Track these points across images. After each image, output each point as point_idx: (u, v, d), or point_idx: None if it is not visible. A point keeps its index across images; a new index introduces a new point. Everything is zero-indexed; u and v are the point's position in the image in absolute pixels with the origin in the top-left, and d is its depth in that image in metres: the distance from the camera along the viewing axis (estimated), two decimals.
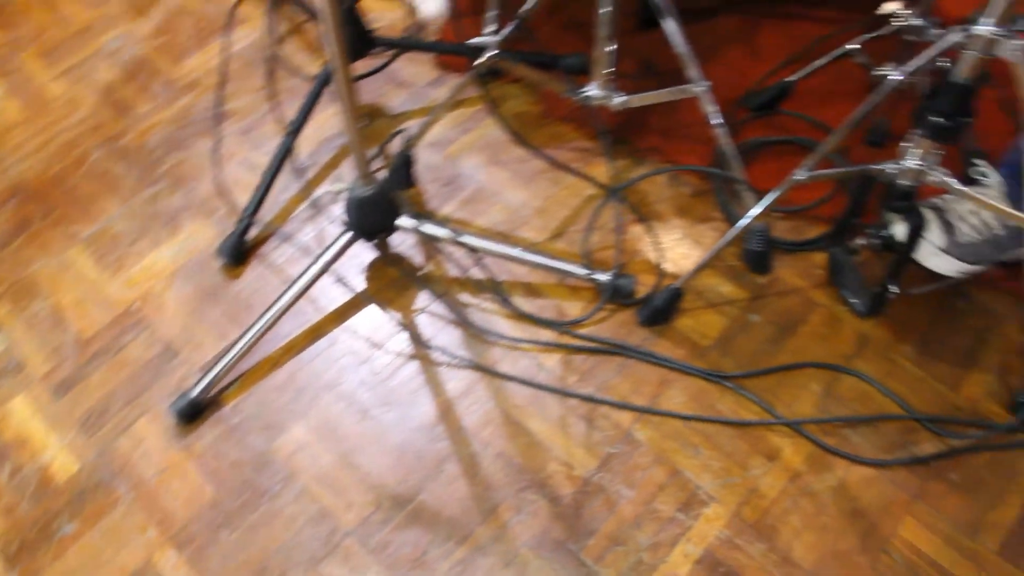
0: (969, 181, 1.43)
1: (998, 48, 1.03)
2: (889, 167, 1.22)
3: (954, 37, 1.05)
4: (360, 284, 1.47)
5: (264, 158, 1.57)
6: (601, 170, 1.59)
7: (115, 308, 1.46)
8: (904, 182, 1.23)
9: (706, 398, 1.34)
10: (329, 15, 1.08)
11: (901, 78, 1.14)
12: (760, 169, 1.55)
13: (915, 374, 1.37)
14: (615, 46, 1.33)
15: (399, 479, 1.27)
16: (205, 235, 1.53)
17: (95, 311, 1.46)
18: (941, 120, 1.12)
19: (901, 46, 1.44)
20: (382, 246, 1.50)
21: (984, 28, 1.02)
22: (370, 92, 1.72)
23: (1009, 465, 1.29)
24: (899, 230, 1.28)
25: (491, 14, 1.68)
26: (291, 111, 1.60)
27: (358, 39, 1.58)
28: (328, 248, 1.39)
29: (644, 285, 1.44)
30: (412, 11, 1.85)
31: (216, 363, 1.34)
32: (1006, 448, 1.30)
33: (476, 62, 1.41)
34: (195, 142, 1.66)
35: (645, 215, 1.53)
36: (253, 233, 1.52)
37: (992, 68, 1.07)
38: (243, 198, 1.53)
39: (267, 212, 1.55)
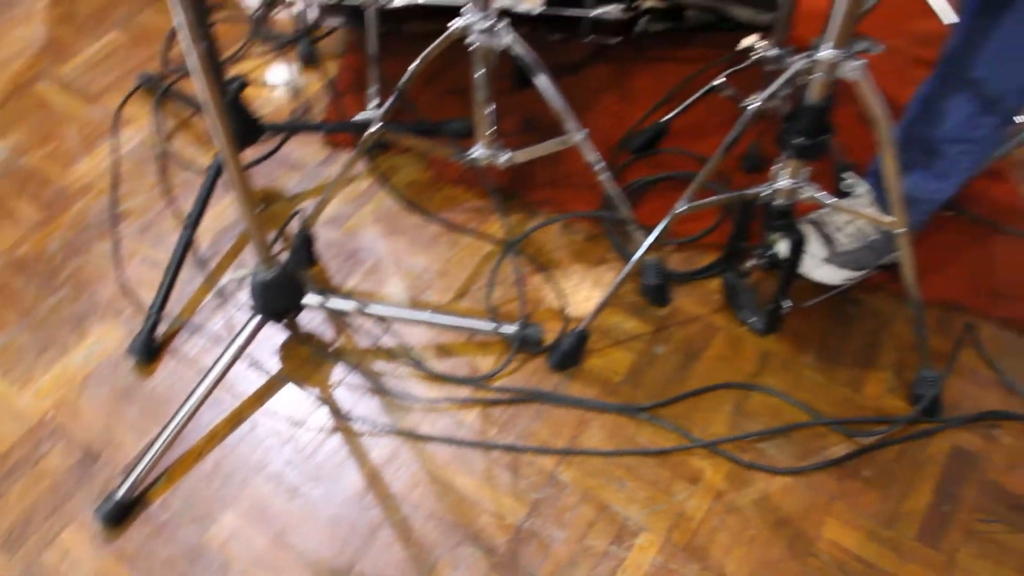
0: (841, 193, 1.52)
1: (840, 70, 1.11)
2: (763, 190, 1.29)
3: (800, 63, 1.13)
4: (275, 365, 1.48)
5: (165, 254, 1.58)
6: (496, 226, 1.64)
7: (28, 420, 1.44)
8: (779, 202, 1.31)
9: (624, 432, 1.38)
10: (213, 108, 1.10)
11: (758, 106, 1.22)
12: (648, 207, 1.61)
13: (818, 381, 1.44)
14: (494, 107, 1.38)
15: (335, 552, 1.27)
16: (114, 336, 1.53)
17: (7, 426, 1.43)
18: (802, 140, 1.20)
19: (763, 76, 1.53)
20: (292, 326, 1.52)
21: (825, 53, 1.10)
22: (264, 177, 1.74)
23: (916, 455, 1.36)
24: (782, 248, 1.35)
25: (372, 89, 1.73)
26: (187, 204, 1.61)
27: (245, 127, 1.61)
28: (239, 334, 1.40)
29: (551, 331, 1.48)
30: (298, 93, 1.89)
31: (138, 461, 1.33)
32: (911, 439, 1.37)
33: (363, 137, 1.45)
34: (94, 245, 1.66)
35: (544, 264, 1.58)
36: (162, 329, 1.52)
37: (840, 87, 1.15)
38: (148, 295, 1.53)
39: (174, 306, 1.55)
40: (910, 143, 1.40)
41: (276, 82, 1.93)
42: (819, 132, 1.19)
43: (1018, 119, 1.60)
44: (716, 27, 1.92)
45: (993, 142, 1.40)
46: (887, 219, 1.27)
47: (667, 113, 1.71)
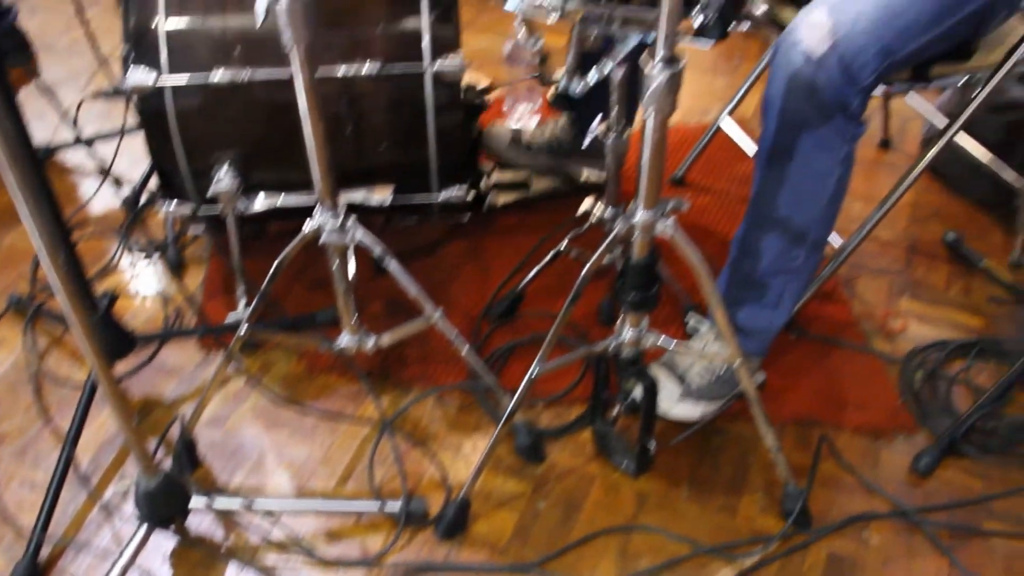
0: (687, 334, 1.64)
1: (655, 229, 1.24)
2: (609, 343, 1.40)
3: (620, 227, 1.26)
4: (167, 573, 1.47)
5: (45, 474, 1.57)
6: (372, 408, 1.69)
7: None
8: (627, 353, 1.41)
9: None
10: (79, 327, 1.13)
11: (591, 268, 1.33)
12: (514, 370, 1.71)
13: (695, 512, 1.52)
14: (352, 296, 1.46)
15: None
16: None
17: None
18: (634, 295, 1.31)
19: (604, 234, 1.66)
20: (181, 531, 1.52)
21: (639, 216, 1.23)
22: (141, 386, 1.77)
23: (795, 569, 1.43)
24: (639, 392, 1.45)
25: (240, 290, 1.80)
26: (66, 422, 1.62)
27: (118, 340, 1.64)
28: (127, 546, 1.40)
29: (435, 502, 1.52)
30: (168, 300, 1.94)
31: None
32: (788, 553, 1.45)
33: (233, 340, 1.50)
34: None
35: (421, 439, 1.64)
36: (46, 552, 1.50)
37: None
38: (29, 519, 1.52)
39: (57, 527, 1.54)
40: (737, 280, 1.54)
41: (147, 291, 1.98)
42: (649, 285, 1.30)
43: (834, 239, 1.77)
44: (560, 193, 2.08)
45: (811, 267, 1.54)
46: (723, 356, 1.38)
47: (522, 279, 1.83)
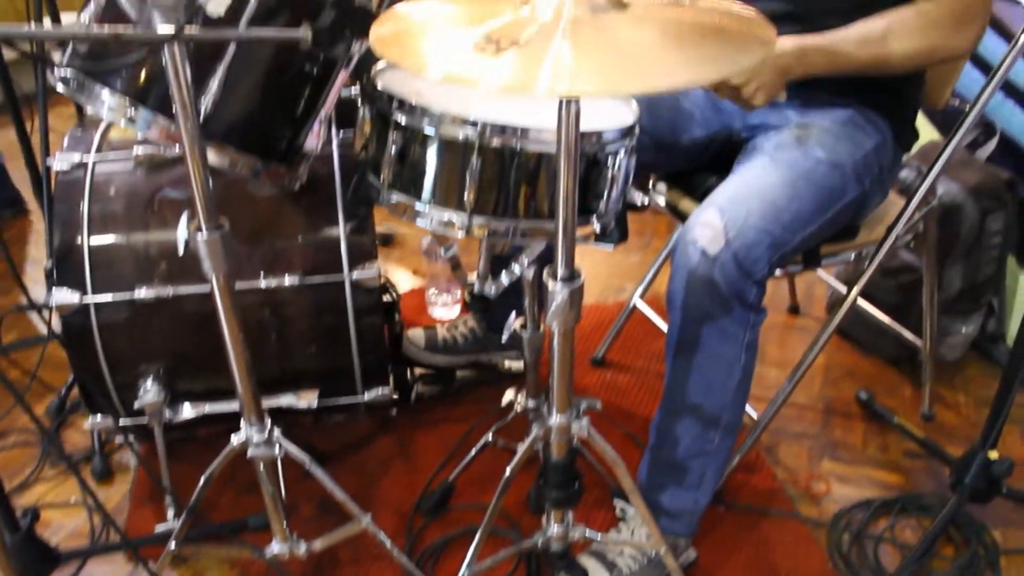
0: (617, 517, 1.66)
1: (571, 430, 1.29)
2: (537, 539, 1.42)
3: (537, 430, 1.30)
4: None
5: None
6: None
7: None
8: (556, 546, 1.43)
9: None
10: None
11: (513, 466, 1.36)
12: (449, 566, 1.69)
13: None
14: (282, 503, 1.47)
15: None
16: None
17: None
18: (556, 492, 1.34)
19: (528, 424, 1.70)
20: None
21: (553, 419, 1.28)
22: None
23: None
24: None
25: (168, 499, 1.78)
26: None
27: (40, 559, 1.61)
28: None
29: None
30: (92, 512, 1.91)
31: None
32: None
33: (163, 553, 1.49)
34: None
35: None
36: None
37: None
38: None
39: None
40: (657, 465, 1.59)
41: (71, 502, 1.95)
42: (569, 483, 1.34)
43: (752, 411, 1.84)
44: (484, 381, 2.13)
45: (728, 447, 1.60)
46: (648, 543, 1.41)
47: (452, 471, 1.85)
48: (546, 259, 1.23)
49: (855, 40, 1.50)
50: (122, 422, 1.77)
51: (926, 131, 2.27)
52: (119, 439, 2.06)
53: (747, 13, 1.07)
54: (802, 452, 2.03)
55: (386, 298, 1.89)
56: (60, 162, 1.70)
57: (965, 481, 1.62)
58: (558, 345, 1.20)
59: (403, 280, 2.61)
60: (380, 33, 1.06)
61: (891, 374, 2.27)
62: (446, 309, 2.37)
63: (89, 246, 1.65)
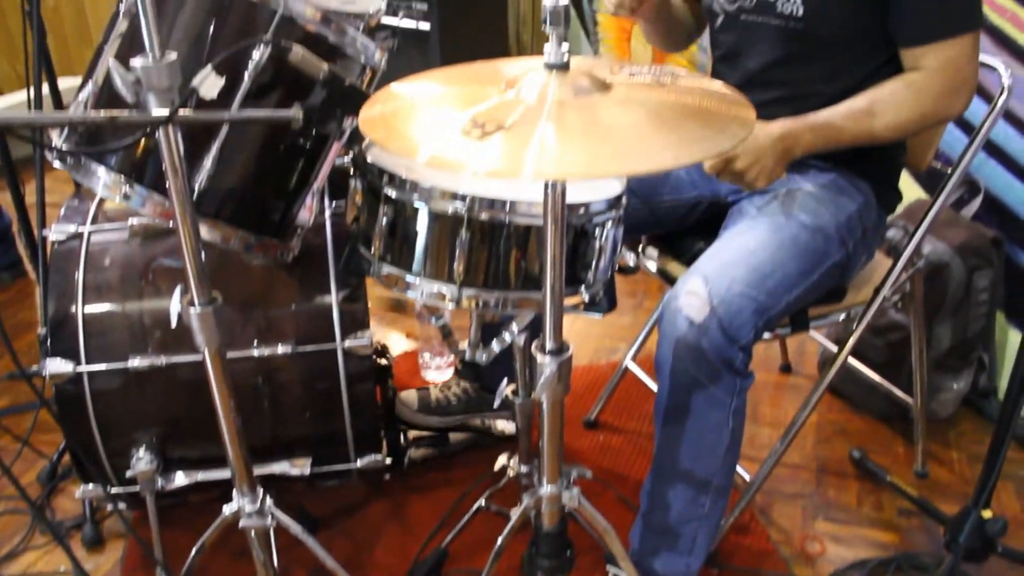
0: None
1: (561, 500, 1.29)
2: None
3: (528, 500, 1.30)
4: None
5: None
6: None
7: None
8: None
9: None
10: None
11: (505, 535, 1.37)
12: None
13: None
14: (275, 572, 1.46)
15: None
16: None
17: None
18: (548, 561, 1.34)
19: (521, 488, 1.70)
20: None
21: (544, 490, 1.28)
22: None
23: None
24: None
25: (159, 568, 1.77)
26: None
27: None
28: None
29: None
30: None
31: None
32: None
33: None
34: None
35: None
36: None
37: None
38: None
39: None
40: (649, 531, 1.59)
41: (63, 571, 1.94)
42: (561, 551, 1.34)
43: (743, 472, 1.84)
44: (478, 444, 2.13)
45: (719, 511, 1.60)
46: None
47: (445, 537, 1.84)
48: (537, 326, 1.24)
49: (850, 115, 1.54)
50: (113, 490, 1.77)
51: (911, 189, 2.31)
52: (111, 506, 2.05)
53: (728, 93, 1.10)
54: (796, 512, 2.02)
55: (381, 361, 1.91)
56: (56, 233, 1.72)
57: (960, 541, 1.62)
58: (547, 416, 1.21)
59: (397, 342, 2.62)
60: (368, 115, 1.09)
61: (884, 431, 2.27)
62: (439, 372, 2.37)
63: (83, 315, 1.66)
